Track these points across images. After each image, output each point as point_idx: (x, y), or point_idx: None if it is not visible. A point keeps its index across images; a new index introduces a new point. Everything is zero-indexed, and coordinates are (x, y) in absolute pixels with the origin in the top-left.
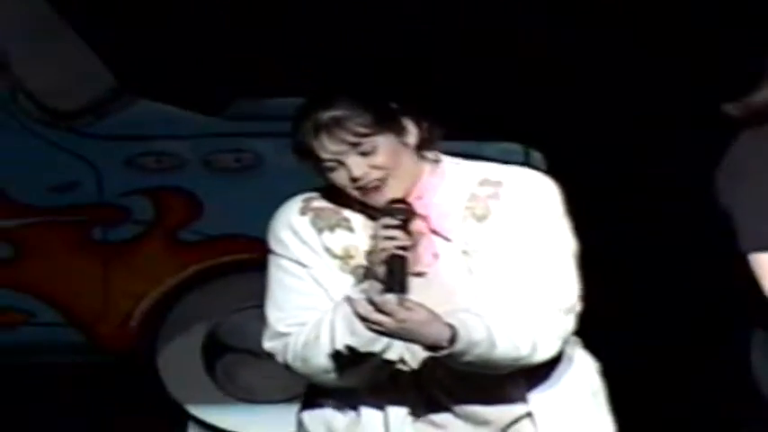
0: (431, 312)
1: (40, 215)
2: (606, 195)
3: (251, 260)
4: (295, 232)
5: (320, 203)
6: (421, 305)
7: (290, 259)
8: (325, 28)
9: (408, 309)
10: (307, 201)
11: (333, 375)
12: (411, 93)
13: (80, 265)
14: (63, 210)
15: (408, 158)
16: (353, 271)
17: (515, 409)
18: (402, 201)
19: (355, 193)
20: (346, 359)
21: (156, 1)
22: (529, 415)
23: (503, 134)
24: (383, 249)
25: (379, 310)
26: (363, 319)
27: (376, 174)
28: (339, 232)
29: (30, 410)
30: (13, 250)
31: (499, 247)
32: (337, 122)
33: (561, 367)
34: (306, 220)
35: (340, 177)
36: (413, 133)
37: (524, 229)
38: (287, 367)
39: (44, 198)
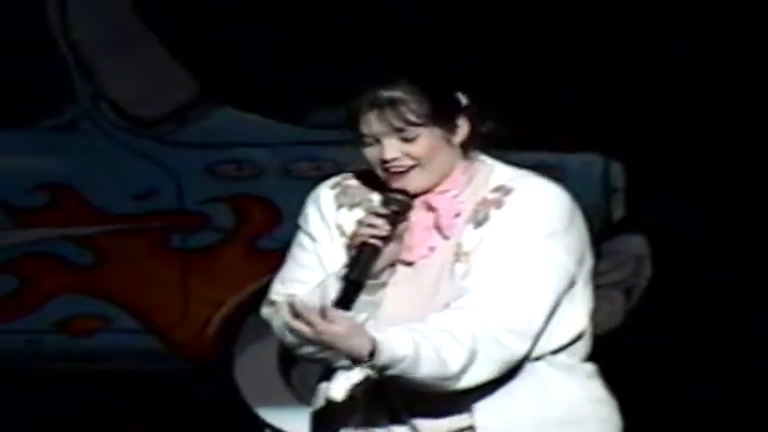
0: (353, 325)
1: (120, 222)
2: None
3: None
4: (318, 206)
5: (353, 182)
6: (344, 317)
7: (305, 233)
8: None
9: (330, 320)
10: (343, 177)
11: (308, 350)
12: (479, 93)
13: (159, 272)
14: (143, 217)
15: (446, 154)
16: None
17: (458, 421)
18: (404, 192)
19: (381, 173)
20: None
21: (237, 9)
22: (471, 428)
23: (585, 145)
24: (359, 235)
25: (301, 318)
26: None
27: (407, 161)
28: (356, 212)
29: (106, 416)
30: (93, 257)
31: (484, 255)
32: (392, 104)
33: (521, 383)
34: (332, 194)
35: (372, 154)
36: (462, 133)
37: (508, 241)
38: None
39: (124, 205)
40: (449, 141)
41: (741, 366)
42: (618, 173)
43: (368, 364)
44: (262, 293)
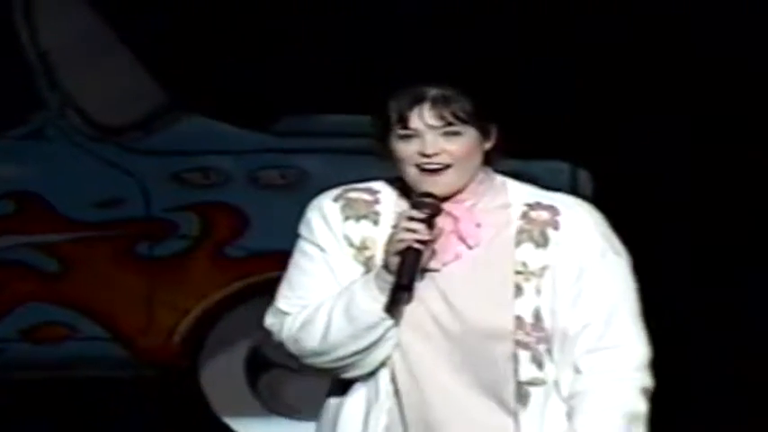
0: None
1: (86, 230)
2: (654, 214)
3: None
4: (323, 216)
5: (356, 194)
6: None
7: (312, 243)
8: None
9: None
10: (345, 190)
11: (321, 359)
12: (502, 104)
13: (125, 280)
14: (109, 224)
15: (476, 160)
16: (366, 262)
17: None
18: (432, 196)
19: (412, 172)
20: (335, 346)
21: (205, 18)
22: None
23: (550, 152)
24: (401, 240)
25: None
26: None
27: (444, 158)
28: (364, 223)
29: (72, 424)
30: (59, 265)
31: (563, 274)
32: (444, 100)
33: (536, 404)
34: (337, 206)
35: (409, 149)
36: (491, 140)
37: (594, 267)
38: (281, 347)
39: (91, 213)
40: (481, 146)
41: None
42: (585, 180)
43: None
44: (228, 301)
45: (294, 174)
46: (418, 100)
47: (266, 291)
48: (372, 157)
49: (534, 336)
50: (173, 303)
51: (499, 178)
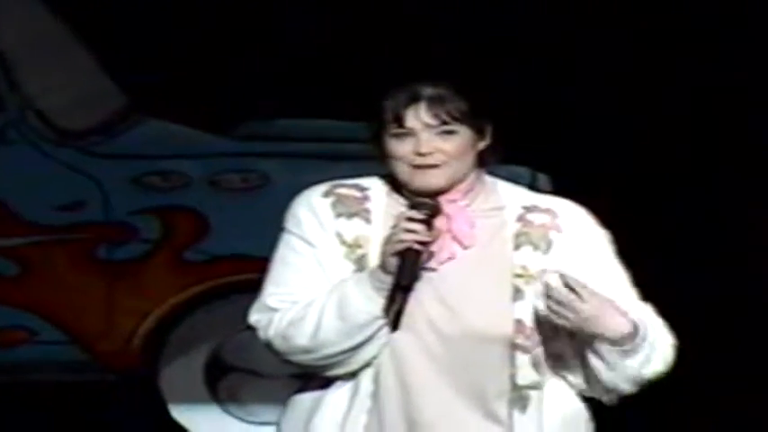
0: (612, 304)
1: (46, 233)
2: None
3: (256, 280)
4: (313, 211)
5: (346, 191)
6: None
7: (300, 237)
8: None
9: (593, 294)
10: (334, 186)
11: (309, 357)
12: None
13: (84, 284)
14: (69, 228)
15: (469, 160)
16: (357, 260)
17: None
18: (430, 197)
19: (404, 170)
20: (325, 344)
21: (166, 22)
22: None
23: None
24: (401, 241)
25: (570, 288)
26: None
27: (439, 157)
28: (355, 221)
29: (31, 429)
30: (18, 268)
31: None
32: (440, 99)
33: (535, 408)
34: (327, 201)
35: (403, 148)
36: (485, 141)
37: (604, 270)
38: (267, 344)
39: (51, 216)
40: (474, 146)
41: None
42: (545, 184)
43: (620, 345)
44: (188, 305)
45: (255, 178)
46: (414, 99)
47: (226, 294)
48: (333, 161)
49: (533, 340)
50: (132, 307)
51: (490, 179)
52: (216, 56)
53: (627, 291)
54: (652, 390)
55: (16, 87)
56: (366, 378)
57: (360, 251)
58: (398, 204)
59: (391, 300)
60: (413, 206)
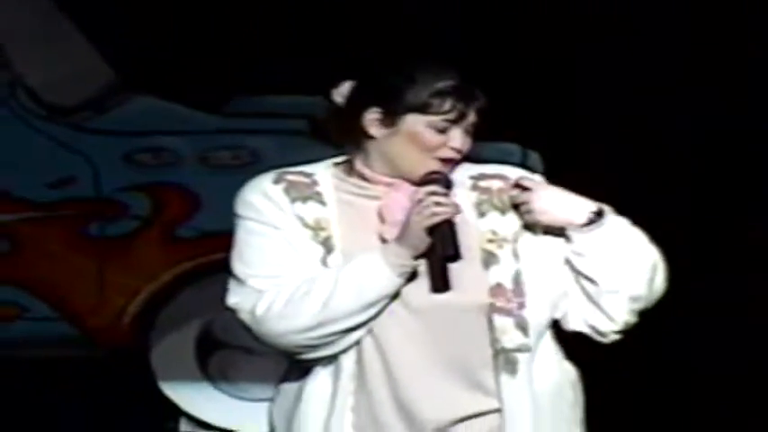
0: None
1: (36, 210)
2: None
3: None
4: (268, 198)
5: (294, 177)
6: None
7: (262, 222)
8: (327, 25)
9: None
10: (280, 173)
11: (303, 336)
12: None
13: (75, 260)
14: (60, 204)
15: None
16: (324, 242)
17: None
18: (438, 172)
19: (420, 158)
20: (332, 321)
21: None
22: (498, 411)
23: (500, 134)
24: (435, 214)
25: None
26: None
27: (460, 154)
28: (311, 204)
29: (23, 404)
30: (8, 245)
31: (535, 237)
32: (479, 99)
33: (525, 370)
34: (279, 188)
35: (438, 138)
36: None
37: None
38: (252, 325)
39: (41, 193)
40: None
41: None
42: (536, 162)
43: (593, 223)
44: (179, 281)
45: (245, 154)
46: (473, 98)
47: (217, 271)
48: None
49: (516, 301)
50: (123, 284)
51: None
52: (205, 32)
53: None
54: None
55: (5, 64)
56: (347, 360)
57: (323, 233)
58: (351, 187)
59: (442, 272)
60: (426, 182)
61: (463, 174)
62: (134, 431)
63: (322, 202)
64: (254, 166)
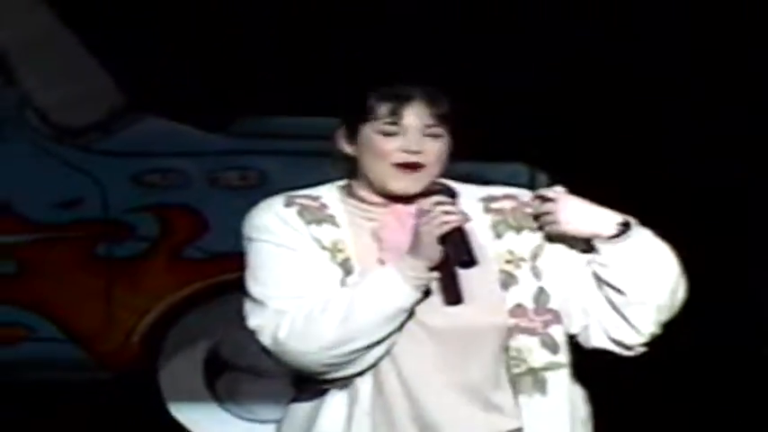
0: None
1: (44, 231)
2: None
3: None
4: (283, 220)
5: (304, 201)
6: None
7: (278, 244)
8: (331, 48)
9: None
10: (289, 197)
11: (328, 354)
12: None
13: (83, 282)
14: (68, 226)
15: (443, 164)
16: (342, 264)
17: (506, 423)
18: (440, 183)
19: (384, 169)
20: (355, 337)
21: (166, 19)
22: (519, 430)
23: (509, 155)
24: (444, 223)
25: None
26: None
27: (423, 158)
28: (326, 227)
29: (30, 427)
30: (16, 266)
31: (556, 252)
32: (435, 100)
33: (556, 389)
34: (293, 211)
35: (390, 144)
36: (451, 145)
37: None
38: (267, 351)
39: (49, 214)
40: (447, 153)
41: None
42: (543, 183)
43: (618, 237)
44: (187, 302)
45: (253, 175)
46: (409, 97)
47: (225, 292)
48: (331, 159)
49: (539, 320)
50: (131, 305)
51: (448, 182)
52: (213, 53)
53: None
54: None
55: (14, 84)
56: (364, 383)
57: (341, 255)
58: (355, 209)
59: (453, 282)
60: (434, 192)
61: (471, 197)
62: None
63: (336, 224)
64: (261, 188)
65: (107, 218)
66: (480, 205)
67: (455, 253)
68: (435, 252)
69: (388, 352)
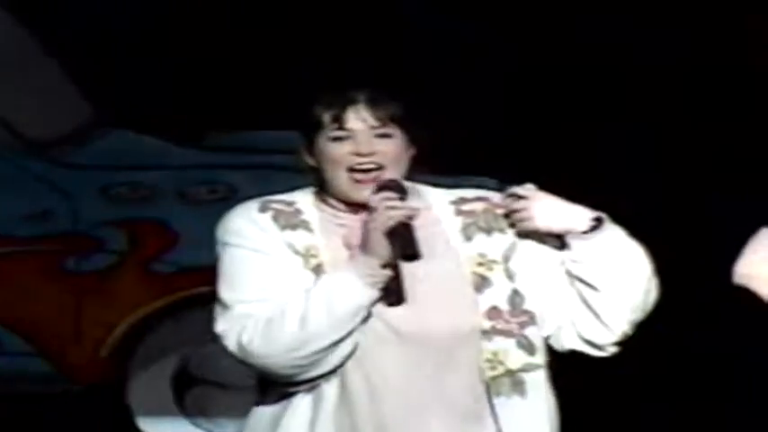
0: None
1: (13, 245)
2: None
3: None
4: (257, 225)
5: (279, 206)
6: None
7: (250, 249)
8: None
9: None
10: (264, 202)
11: (291, 356)
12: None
13: (52, 295)
14: (36, 239)
15: (403, 164)
16: (315, 269)
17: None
18: (392, 180)
19: (341, 175)
20: (313, 338)
21: (136, 33)
22: None
23: (478, 169)
24: (390, 218)
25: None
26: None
27: (378, 158)
28: (300, 232)
29: None
30: None
31: (529, 253)
32: (376, 101)
33: (534, 390)
34: (267, 216)
35: (341, 150)
36: (413, 145)
37: (544, 252)
38: (239, 351)
39: (18, 227)
40: (406, 151)
41: None
42: None
43: (589, 233)
44: (155, 316)
45: (223, 189)
46: (352, 101)
47: (194, 306)
48: (300, 173)
49: (515, 322)
50: (100, 318)
51: (410, 183)
52: (182, 67)
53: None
54: None
55: None
56: (330, 386)
57: (314, 260)
58: (329, 216)
59: (396, 274)
60: (382, 188)
61: (442, 200)
62: None
63: (309, 230)
64: (231, 201)
65: (76, 231)
66: (451, 208)
67: (400, 247)
68: (384, 248)
69: (353, 352)
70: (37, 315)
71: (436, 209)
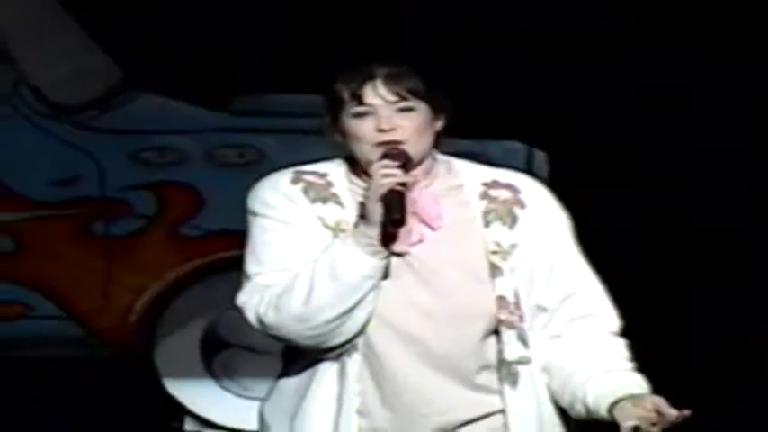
0: None
1: (41, 209)
2: (607, 194)
3: None
4: (285, 195)
5: (311, 178)
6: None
7: (278, 220)
8: (329, 25)
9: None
10: (297, 173)
11: (302, 326)
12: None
13: (81, 259)
14: (65, 204)
15: (429, 138)
16: None
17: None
18: (395, 148)
19: (367, 149)
20: (320, 310)
21: None
22: (502, 411)
23: (506, 132)
24: (382, 185)
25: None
26: None
27: (400, 134)
28: (331, 206)
29: (28, 403)
30: (14, 244)
31: (534, 251)
32: (395, 76)
33: (525, 382)
34: (298, 188)
35: (364, 126)
36: (441, 120)
37: (565, 245)
38: (258, 321)
39: (46, 192)
40: (432, 125)
41: None
42: (541, 162)
43: None
44: (184, 280)
45: (251, 153)
46: (371, 77)
47: (222, 270)
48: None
49: (517, 314)
50: (128, 283)
51: (444, 158)
52: (210, 30)
53: (583, 273)
54: None
55: (10, 62)
56: (352, 362)
57: (344, 235)
58: (358, 189)
59: (386, 236)
60: (384, 156)
61: (475, 179)
62: (139, 430)
63: (340, 204)
64: (259, 165)
65: (104, 196)
66: (481, 190)
67: (387, 212)
68: (377, 214)
69: (369, 318)
70: (66, 279)
71: (468, 189)
